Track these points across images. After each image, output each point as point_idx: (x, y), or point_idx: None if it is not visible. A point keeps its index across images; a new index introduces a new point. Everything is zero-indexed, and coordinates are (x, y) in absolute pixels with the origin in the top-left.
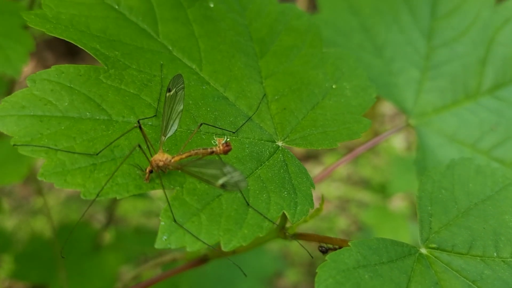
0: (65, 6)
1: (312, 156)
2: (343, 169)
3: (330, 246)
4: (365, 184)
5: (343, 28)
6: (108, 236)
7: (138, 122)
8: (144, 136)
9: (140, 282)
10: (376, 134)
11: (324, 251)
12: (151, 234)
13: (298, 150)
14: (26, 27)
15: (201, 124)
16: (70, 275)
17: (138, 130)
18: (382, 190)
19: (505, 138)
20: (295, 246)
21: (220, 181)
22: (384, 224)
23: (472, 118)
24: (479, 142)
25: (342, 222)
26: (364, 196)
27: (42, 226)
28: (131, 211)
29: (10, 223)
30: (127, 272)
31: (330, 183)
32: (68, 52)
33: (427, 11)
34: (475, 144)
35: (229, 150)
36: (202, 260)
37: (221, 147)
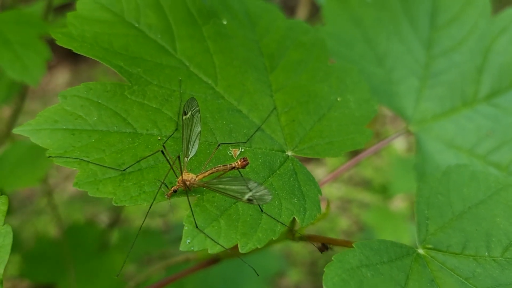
0: (88, 24)
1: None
2: (344, 170)
3: (324, 245)
4: (366, 184)
5: (346, 39)
6: (114, 236)
7: (162, 147)
8: (168, 160)
9: (158, 281)
10: (377, 134)
11: (322, 250)
12: (156, 234)
13: None
14: (42, 37)
15: (219, 145)
16: (78, 274)
17: (161, 142)
18: (383, 191)
19: (500, 144)
20: (297, 246)
21: (247, 196)
22: (385, 225)
23: (469, 124)
24: (476, 147)
25: (344, 222)
26: (365, 196)
27: (45, 226)
28: (135, 211)
29: (13, 223)
30: (134, 271)
31: (331, 183)
32: (70, 53)
33: (426, 21)
34: (472, 150)
35: (247, 164)
36: (214, 260)
37: (239, 162)
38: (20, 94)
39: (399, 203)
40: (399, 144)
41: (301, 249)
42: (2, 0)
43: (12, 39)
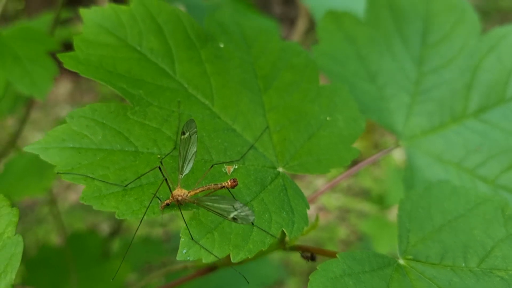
0: (94, 47)
1: None
2: (343, 181)
3: (308, 254)
4: (365, 194)
5: (339, 57)
6: (116, 245)
7: (160, 163)
8: (164, 176)
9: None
10: (376, 145)
11: (308, 259)
12: (156, 243)
13: None
14: (50, 53)
15: (212, 166)
16: (80, 281)
17: (162, 161)
18: (381, 201)
19: (487, 158)
20: (295, 256)
21: (232, 215)
22: (382, 234)
23: (457, 139)
24: (464, 161)
25: (342, 232)
26: (364, 206)
27: (46, 234)
28: (136, 221)
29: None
30: (135, 280)
31: (330, 194)
32: None
33: (418, 40)
34: (460, 164)
35: (236, 185)
36: (211, 268)
37: (229, 183)
38: (26, 105)
39: (396, 213)
40: (397, 154)
41: (299, 258)
42: (3, 12)
43: (22, 55)
